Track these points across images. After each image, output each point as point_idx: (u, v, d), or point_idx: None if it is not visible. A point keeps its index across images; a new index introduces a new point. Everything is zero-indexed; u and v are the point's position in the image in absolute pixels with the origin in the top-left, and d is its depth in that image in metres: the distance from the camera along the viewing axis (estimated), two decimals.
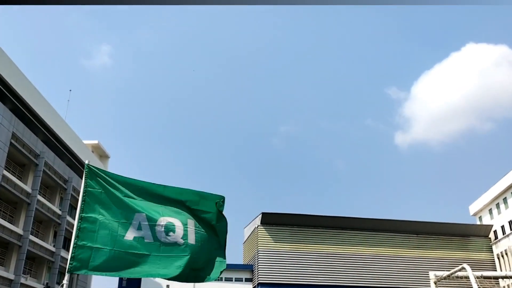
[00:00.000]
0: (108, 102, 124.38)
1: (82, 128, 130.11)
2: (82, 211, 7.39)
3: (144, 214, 7.54)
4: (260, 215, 56.71)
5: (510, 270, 52.44)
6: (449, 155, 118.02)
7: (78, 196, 43.62)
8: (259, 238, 56.10)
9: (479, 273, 20.01)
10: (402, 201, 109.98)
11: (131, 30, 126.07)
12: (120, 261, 7.31)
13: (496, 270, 53.39)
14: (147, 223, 7.52)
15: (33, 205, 39.83)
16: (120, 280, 55.22)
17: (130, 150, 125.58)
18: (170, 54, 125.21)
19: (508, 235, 56.42)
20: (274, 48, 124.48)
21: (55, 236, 45.71)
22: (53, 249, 44.28)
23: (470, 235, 60.03)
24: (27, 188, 39.55)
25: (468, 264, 20.15)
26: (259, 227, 56.60)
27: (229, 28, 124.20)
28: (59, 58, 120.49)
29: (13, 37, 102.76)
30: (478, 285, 18.76)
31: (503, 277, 28.98)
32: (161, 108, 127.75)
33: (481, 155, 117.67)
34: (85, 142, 54.23)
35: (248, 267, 59.03)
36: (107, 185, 7.58)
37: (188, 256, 7.53)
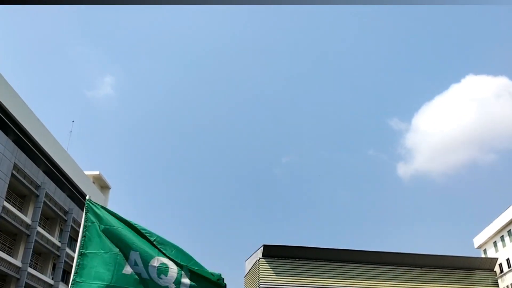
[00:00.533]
0: (110, 132, 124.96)
1: (84, 158, 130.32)
2: (82, 247, 7.32)
3: (138, 252, 7.41)
4: (262, 248, 56.01)
5: None
6: (451, 186, 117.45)
7: (78, 227, 43.29)
8: (260, 271, 55.21)
9: None
10: (405, 233, 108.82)
11: (135, 61, 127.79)
12: None
13: None
14: (141, 261, 7.38)
15: (32, 237, 39.46)
16: None
17: (131, 181, 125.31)
18: (172, 85, 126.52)
19: None
20: (275, 80, 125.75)
21: (53, 268, 45.08)
22: (51, 282, 43.59)
23: (474, 269, 59.03)
24: (27, 219, 39.27)
25: None
26: (260, 260, 55.80)
27: (230, 60, 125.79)
28: (62, 88, 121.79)
29: (17, 67, 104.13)
30: None
31: None
32: (163, 140, 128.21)
33: (484, 187, 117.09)
34: (87, 173, 54.19)
35: None
36: (106, 221, 7.52)
37: None
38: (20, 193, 40.24)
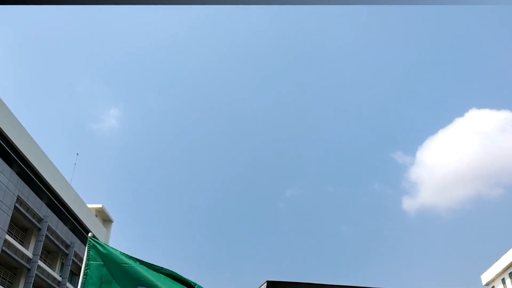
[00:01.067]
0: (114, 165, 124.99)
1: (87, 191, 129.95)
2: (83, 285, 7.17)
3: (147, 284, 7.32)
4: (265, 284, 55.01)
5: None
6: (458, 221, 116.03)
7: (80, 262, 42.58)
8: None
9: None
10: (410, 269, 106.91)
11: (140, 93, 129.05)
12: None
13: None
14: None
15: (33, 271, 38.91)
16: None
17: (134, 214, 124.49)
18: (176, 118, 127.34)
19: None
20: (279, 112, 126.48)
21: None
22: None
23: None
24: (28, 253, 38.84)
25: None
26: None
27: (232, 93, 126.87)
28: (68, 121, 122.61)
29: (23, 99, 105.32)
30: None
31: None
32: (166, 173, 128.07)
33: (492, 222, 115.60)
34: (89, 206, 53.90)
35: None
36: (110, 259, 7.39)
37: None
38: (22, 226, 39.94)
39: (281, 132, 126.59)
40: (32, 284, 38.55)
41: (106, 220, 60.37)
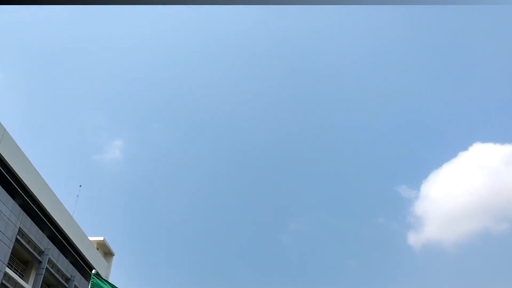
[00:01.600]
0: (116, 197, 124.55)
1: (89, 223, 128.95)
2: None
3: None
4: None
5: None
6: (464, 256, 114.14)
7: None
8: None
9: None
10: None
11: (145, 125, 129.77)
12: None
13: None
14: None
15: None
16: None
17: (136, 247, 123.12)
18: (180, 151, 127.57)
19: None
20: (282, 144, 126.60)
21: None
22: None
23: None
24: (28, 286, 38.19)
25: None
26: None
27: (234, 123, 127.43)
28: (71, 152, 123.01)
29: (27, 130, 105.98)
30: None
31: None
32: (169, 206, 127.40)
33: (499, 257, 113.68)
34: (91, 238, 53.42)
35: None
36: None
37: None
38: (22, 259, 39.46)
39: (285, 164, 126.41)
40: None
41: (107, 253, 59.70)
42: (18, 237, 36.64)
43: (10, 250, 35.38)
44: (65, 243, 45.11)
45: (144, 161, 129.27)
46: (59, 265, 43.02)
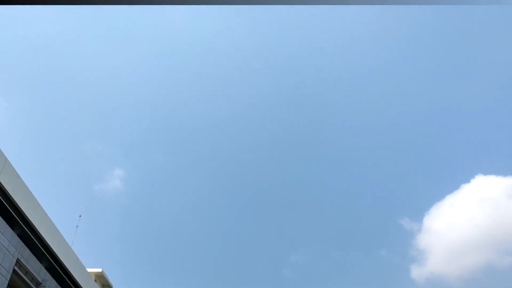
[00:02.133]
0: (116, 228, 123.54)
1: (88, 254, 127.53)
2: None
3: None
4: None
5: None
6: None
7: None
8: None
9: None
10: None
11: (145, 154, 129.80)
12: None
13: None
14: None
15: None
16: None
17: (134, 280, 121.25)
18: (181, 181, 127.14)
19: None
20: (283, 174, 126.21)
21: None
22: None
23: None
24: None
25: None
26: None
27: (234, 156, 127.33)
28: (72, 181, 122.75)
29: (27, 159, 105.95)
30: None
31: None
32: (169, 238, 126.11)
33: None
34: (89, 270, 52.74)
35: None
36: None
37: None
38: None
39: (287, 196, 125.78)
40: None
41: (105, 285, 58.79)
42: (16, 268, 36.11)
43: (8, 282, 34.82)
44: (63, 275, 44.42)
45: (144, 191, 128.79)
46: None
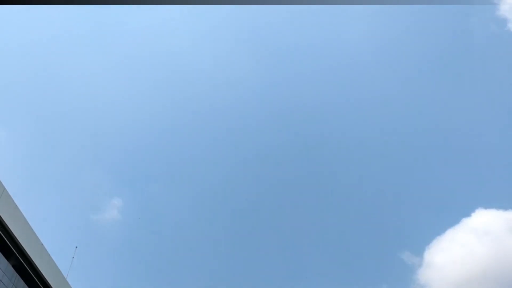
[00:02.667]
0: (112, 259, 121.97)
1: (84, 285, 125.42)
2: None
3: None
4: None
5: None
6: None
7: None
8: None
9: None
10: None
11: (143, 184, 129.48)
12: None
13: None
14: None
15: None
16: None
17: None
18: (178, 210, 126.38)
19: None
20: (283, 207, 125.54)
21: None
22: None
23: None
24: None
25: None
26: None
27: (233, 189, 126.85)
28: (69, 211, 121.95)
29: (24, 189, 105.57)
30: None
31: None
32: (167, 268, 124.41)
33: None
34: None
35: None
36: None
37: None
38: None
39: (285, 231, 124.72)
40: None
41: None
42: None
43: None
44: None
45: (142, 221, 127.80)
46: None
